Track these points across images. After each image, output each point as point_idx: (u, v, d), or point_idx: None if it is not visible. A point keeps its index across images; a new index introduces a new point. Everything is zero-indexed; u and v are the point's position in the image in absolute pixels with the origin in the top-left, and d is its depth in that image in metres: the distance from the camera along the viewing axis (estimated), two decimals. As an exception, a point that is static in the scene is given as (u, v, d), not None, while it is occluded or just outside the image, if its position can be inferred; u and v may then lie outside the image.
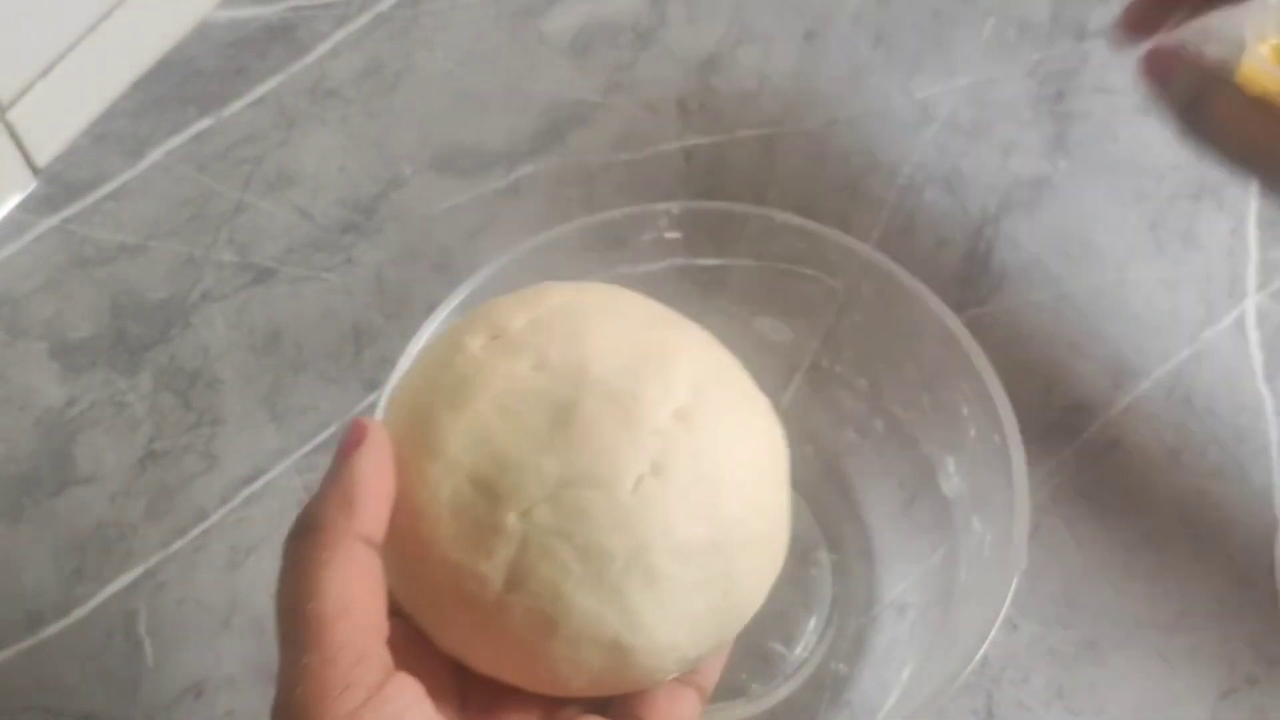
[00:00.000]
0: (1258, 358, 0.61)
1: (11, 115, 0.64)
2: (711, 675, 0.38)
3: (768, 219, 0.56)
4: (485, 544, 0.33)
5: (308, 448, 0.58)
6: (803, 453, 0.57)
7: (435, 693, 0.32)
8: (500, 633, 0.33)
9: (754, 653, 0.53)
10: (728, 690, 0.52)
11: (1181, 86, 0.40)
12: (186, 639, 0.54)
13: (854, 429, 0.56)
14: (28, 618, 0.54)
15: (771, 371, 0.58)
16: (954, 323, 0.51)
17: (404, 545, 0.34)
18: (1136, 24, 0.48)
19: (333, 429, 0.59)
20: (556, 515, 0.33)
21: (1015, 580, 0.45)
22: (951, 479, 0.51)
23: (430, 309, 0.62)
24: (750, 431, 0.37)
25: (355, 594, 0.31)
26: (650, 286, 0.56)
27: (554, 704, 0.36)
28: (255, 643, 0.53)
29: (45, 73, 0.65)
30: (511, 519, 0.33)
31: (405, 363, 0.50)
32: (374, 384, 0.60)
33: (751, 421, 0.37)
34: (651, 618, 0.34)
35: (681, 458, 0.34)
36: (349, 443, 0.33)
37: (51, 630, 0.54)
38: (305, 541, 0.31)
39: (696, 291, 0.57)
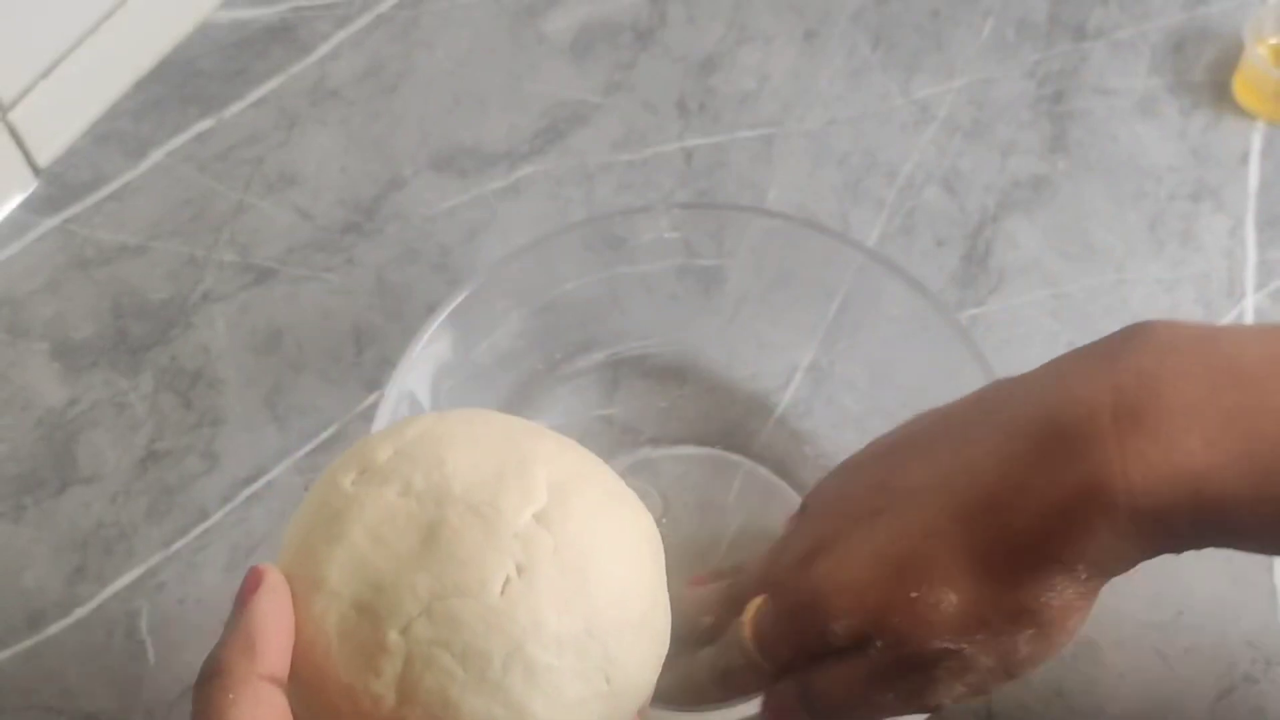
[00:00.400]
0: (1256, 357, 0.61)
1: (13, 116, 0.64)
2: None
3: (768, 219, 0.56)
4: (373, 664, 0.35)
5: (308, 447, 0.58)
6: (802, 452, 0.58)
7: None
8: None
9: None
10: None
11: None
12: (187, 638, 0.54)
13: (854, 429, 0.56)
14: (29, 617, 0.54)
15: (772, 371, 0.59)
16: (953, 322, 0.51)
17: (302, 676, 0.36)
18: None
19: (334, 429, 0.59)
20: (433, 626, 0.35)
21: None
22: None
23: (431, 309, 0.62)
24: (613, 521, 0.39)
25: None
26: (650, 286, 0.56)
27: None
28: (256, 642, 0.54)
29: (47, 73, 0.65)
30: (393, 636, 0.35)
31: (406, 363, 0.51)
32: (374, 384, 0.60)
33: (614, 511, 0.40)
34: (538, 709, 0.36)
35: (544, 556, 0.37)
36: (247, 588, 0.36)
37: (53, 629, 0.54)
38: (211, 686, 0.33)
39: (697, 291, 0.57)
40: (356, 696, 0.35)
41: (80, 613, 0.55)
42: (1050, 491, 0.35)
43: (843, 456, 0.54)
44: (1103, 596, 0.54)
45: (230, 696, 0.33)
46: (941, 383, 0.52)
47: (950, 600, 0.36)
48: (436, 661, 0.35)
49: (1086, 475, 0.34)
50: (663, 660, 0.39)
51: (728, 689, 0.44)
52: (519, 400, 0.57)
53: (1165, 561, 0.55)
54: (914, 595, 0.36)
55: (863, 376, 0.56)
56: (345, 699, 0.35)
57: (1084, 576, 0.35)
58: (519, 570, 0.36)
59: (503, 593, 0.36)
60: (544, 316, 0.56)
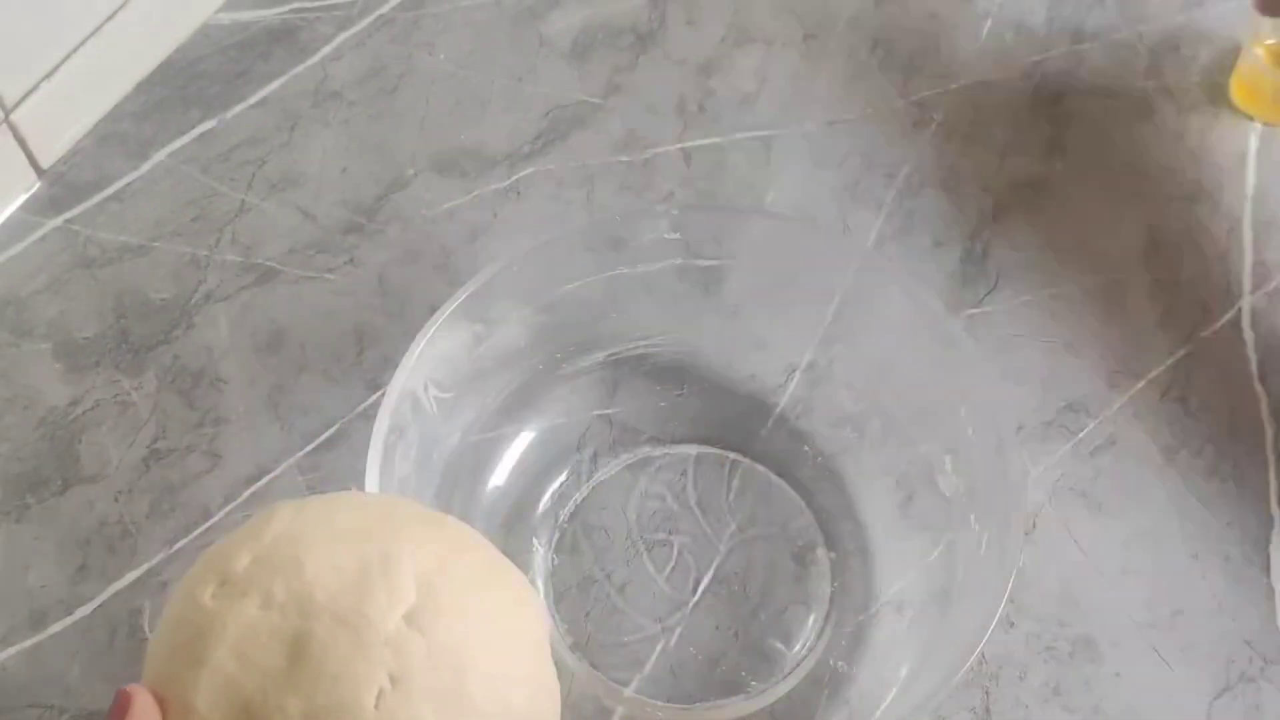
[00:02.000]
0: (1253, 358, 0.61)
1: (16, 116, 0.64)
2: None
3: (766, 219, 0.57)
4: None
5: (310, 447, 0.59)
6: (801, 451, 0.58)
7: None
8: None
9: (753, 650, 0.53)
10: (727, 687, 0.52)
11: None
12: (190, 636, 0.54)
13: (852, 428, 0.57)
14: (32, 616, 0.55)
15: (772, 371, 0.59)
16: (952, 322, 0.52)
17: None
18: None
19: (336, 428, 0.59)
20: None
21: (1013, 578, 0.46)
22: (949, 477, 0.52)
23: (432, 309, 0.62)
24: (487, 606, 0.38)
25: None
26: (650, 287, 0.57)
27: None
28: (258, 640, 0.54)
29: (49, 74, 0.65)
30: None
31: (408, 362, 0.51)
32: (376, 384, 0.60)
33: (492, 596, 0.38)
34: None
35: (417, 661, 0.35)
36: (116, 711, 0.34)
37: (56, 628, 0.54)
38: None
39: (697, 291, 0.57)
40: None
41: (83, 611, 0.55)
42: None
43: (841, 455, 0.55)
44: (1101, 595, 0.54)
45: None
46: (939, 382, 0.52)
47: None
48: None
49: None
50: None
51: None
52: (519, 400, 0.57)
53: (1163, 561, 0.55)
54: None
55: (861, 376, 0.56)
56: None
57: None
58: (392, 681, 0.35)
59: (377, 706, 0.35)
60: (545, 316, 0.56)
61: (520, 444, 0.57)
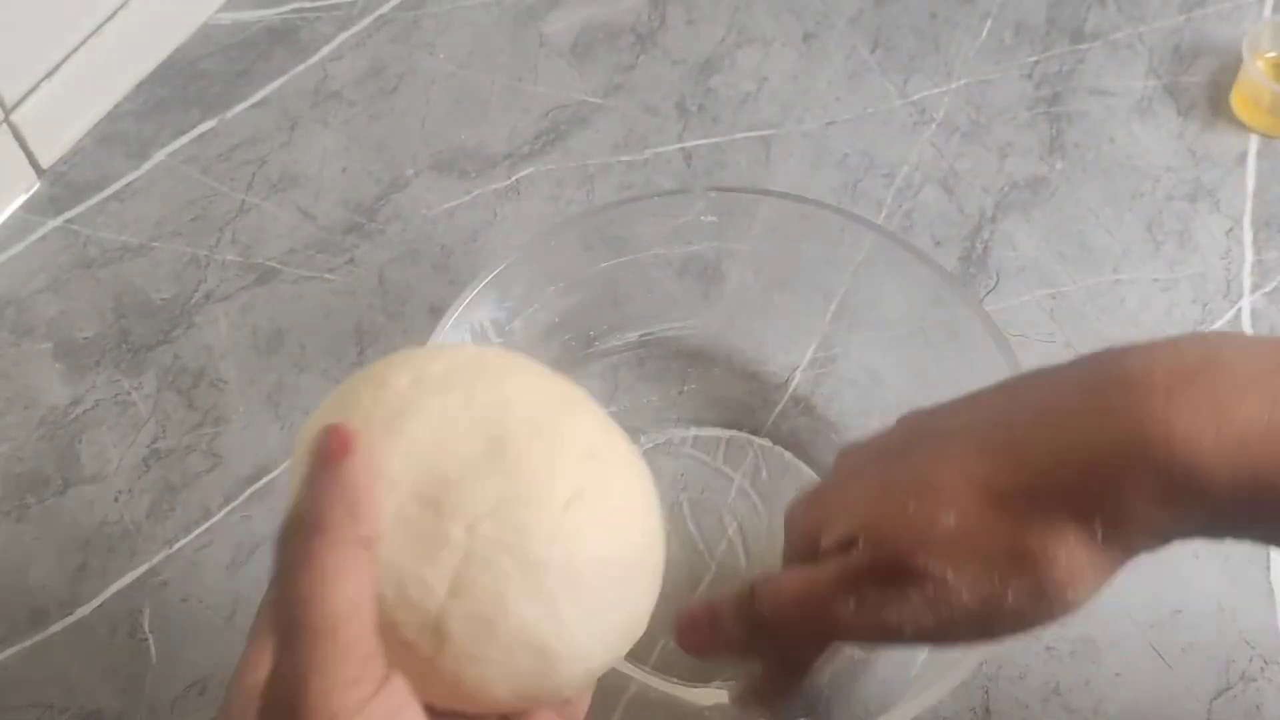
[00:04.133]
0: (1253, 357, 0.61)
1: (16, 117, 0.65)
2: (582, 708, 0.40)
3: (781, 202, 0.56)
4: (431, 554, 0.36)
5: (310, 447, 0.59)
6: (822, 434, 0.58)
7: None
8: (440, 637, 0.36)
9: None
10: (741, 667, 0.52)
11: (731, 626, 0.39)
12: (190, 636, 0.54)
13: (878, 418, 0.56)
14: (32, 615, 0.55)
15: (784, 358, 0.59)
16: (980, 313, 0.51)
17: None
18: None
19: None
20: (499, 529, 0.36)
21: None
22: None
23: (432, 309, 0.63)
24: (639, 473, 0.41)
25: (363, 595, 0.32)
26: (649, 286, 0.57)
27: None
28: (258, 640, 0.54)
29: (50, 75, 0.65)
30: (457, 531, 0.36)
31: (449, 320, 0.50)
32: (376, 383, 0.60)
33: (637, 464, 0.41)
34: (577, 627, 0.37)
35: (599, 486, 0.38)
36: (334, 449, 0.34)
37: (56, 628, 0.54)
38: (315, 542, 0.32)
39: (714, 278, 0.57)
40: (405, 582, 0.35)
41: (83, 611, 0.55)
42: (1082, 435, 0.32)
43: (854, 436, 0.54)
44: (1101, 595, 0.54)
45: (334, 556, 0.32)
46: (958, 371, 0.52)
47: (948, 519, 0.34)
48: (496, 563, 0.36)
49: (1127, 422, 0.31)
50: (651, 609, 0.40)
51: (742, 643, 0.40)
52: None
53: (1163, 560, 0.55)
54: (912, 509, 0.34)
55: (878, 365, 0.56)
56: (392, 583, 0.35)
57: (1099, 536, 0.32)
58: (578, 494, 0.37)
59: (566, 509, 0.37)
60: (572, 296, 0.55)
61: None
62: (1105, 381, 0.33)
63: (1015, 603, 0.33)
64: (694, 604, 0.40)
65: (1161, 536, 0.33)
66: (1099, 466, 0.32)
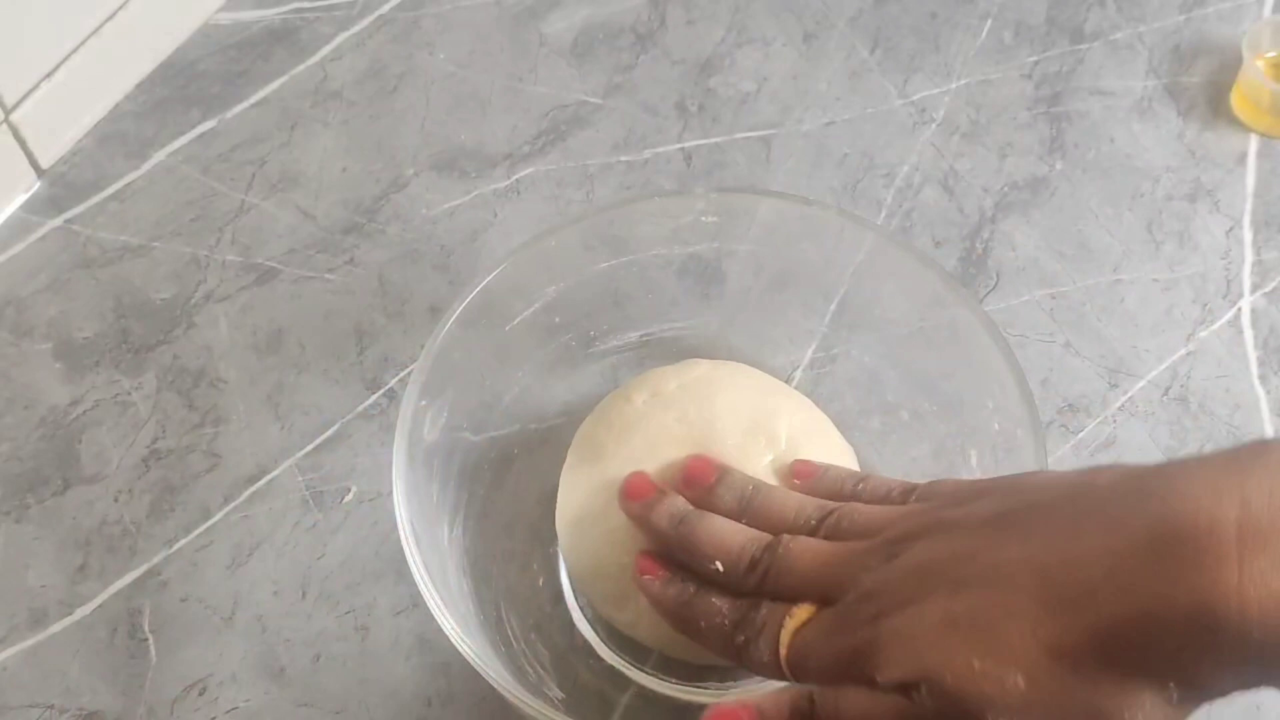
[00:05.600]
0: (1253, 357, 0.61)
1: (16, 116, 0.65)
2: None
3: (777, 203, 0.56)
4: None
5: (310, 447, 0.59)
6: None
7: None
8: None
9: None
10: (743, 670, 0.52)
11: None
12: (190, 636, 0.54)
13: (879, 418, 0.56)
14: (32, 615, 0.55)
15: (780, 366, 0.59)
16: (980, 313, 0.51)
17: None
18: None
19: (336, 428, 0.59)
20: None
21: None
22: (974, 471, 0.52)
23: (432, 308, 0.63)
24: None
25: None
26: (650, 282, 0.57)
27: None
28: (258, 640, 0.54)
29: (49, 74, 0.65)
30: None
31: (412, 364, 0.50)
32: (376, 384, 0.60)
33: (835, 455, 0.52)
34: None
35: None
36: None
37: (56, 628, 0.54)
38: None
39: (697, 292, 0.57)
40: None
41: (83, 611, 0.55)
42: (1157, 599, 0.32)
43: (868, 446, 0.54)
44: None
45: None
46: (967, 375, 0.51)
47: (1017, 682, 0.33)
48: None
49: (1199, 591, 0.31)
50: None
51: (731, 656, 0.43)
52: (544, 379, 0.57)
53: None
54: (978, 665, 0.34)
55: (889, 367, 0.56)
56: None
57: (1175, 698, 0.33)
58: None
59: None
60: (575, 293, 0.55)
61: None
62: (1176, 533, 0.32)
63: None
64: (732, 705, 0.39)
65: (1236, 690, 0.33)
66: (1173, 634, 0.32)
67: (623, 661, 0.52)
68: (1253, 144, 0.68)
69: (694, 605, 0.44)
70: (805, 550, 0.42)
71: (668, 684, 0.52)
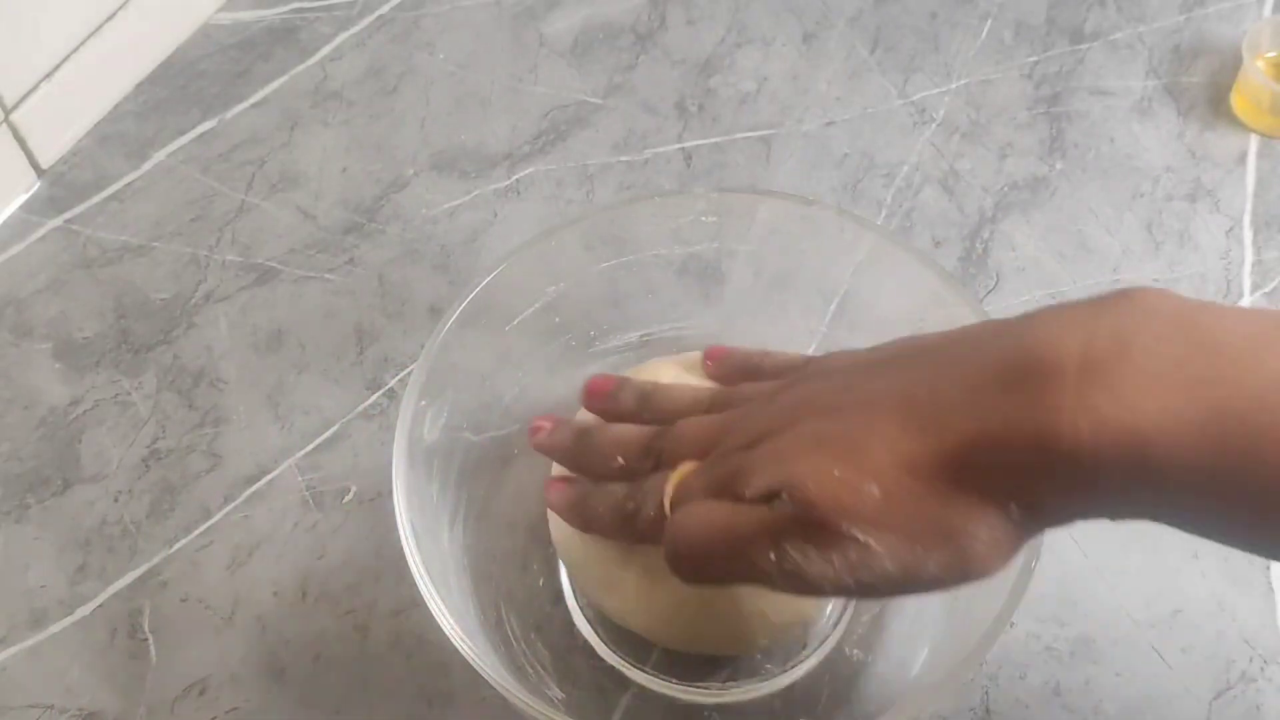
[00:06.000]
0: (1253, 357, 0.61)
1: (16, 117, 0.65)
2: None
3: (777, 203, 0.56)
4: None
5: (310, 447, 0.59)
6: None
7: None
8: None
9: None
10: (744, 670, 0.52)
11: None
12: (190, 636, 0.54)
13: None
14: (32, 615, 0.55)
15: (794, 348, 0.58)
16: (980, 314, 0.51)
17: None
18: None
19: (336, 428, 0.59)
20: None
21: (1035, 565, 0.45)
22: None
23: (432, 308, 0.63)
24: None
25: None
26: (650, 282, 0.57)
27: None
28: (258, 640, 0.54)
29: (49, 75, 0.65)
30: None
31: (412, 364, 0.50)
32: (376, 383, 0.60)
33: None
34: None
35: None
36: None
37: (56, 628, 0.54)
38: None
39: (697, 292, 0.57)
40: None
41: (83, 611, 0.55)
42: (1003, 424, 0.35)
43: None
44: (1100, 595, 0.54)
45: None
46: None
47: (873, 492, 0.36)
48: None
49: (1039, 417, 0.34)
50: None
51: (625, 532, 0.45)
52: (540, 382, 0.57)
53: (1163, 560, 0.55)
54: (838, 474, 0.36)
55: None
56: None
57: (1016, 517, 0.35)
58: None
59: None
60: (580, 291, 0.55)
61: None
62: (1024, 364, 0.35)
63: (936, 571, 0.36)
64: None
65: (1073, 518, 0.35)
66: (1015, 456, 0.34)
67: (623, 661, 0.52)
68: (1253, 144, 0.68)
69: (593, 495, 0.46)
70: (694, 424, 0.45)
71: (668, 684, 0.52)
